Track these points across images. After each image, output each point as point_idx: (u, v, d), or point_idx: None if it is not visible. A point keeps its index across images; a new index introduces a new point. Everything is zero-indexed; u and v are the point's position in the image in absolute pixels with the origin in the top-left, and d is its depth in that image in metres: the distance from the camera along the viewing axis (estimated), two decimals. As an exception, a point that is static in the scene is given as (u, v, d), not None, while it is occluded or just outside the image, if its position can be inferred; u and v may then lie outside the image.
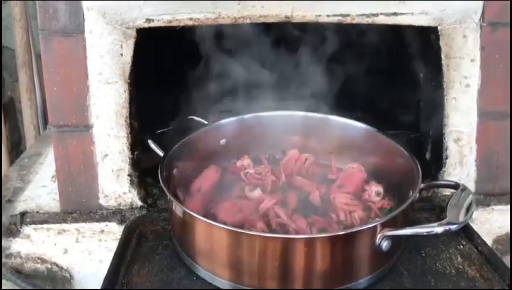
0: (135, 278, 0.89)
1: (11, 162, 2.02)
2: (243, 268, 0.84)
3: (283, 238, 0.81)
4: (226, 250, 0.84)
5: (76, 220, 1.10)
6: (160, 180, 0.92)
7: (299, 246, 0.79)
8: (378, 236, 0.81)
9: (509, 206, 1.15)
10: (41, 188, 1.24)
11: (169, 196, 0.90)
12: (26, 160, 1.41)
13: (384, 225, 0.81)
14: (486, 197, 1.15)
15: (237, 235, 0.83)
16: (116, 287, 0.87)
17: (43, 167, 1.36)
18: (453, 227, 0.79)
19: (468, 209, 0.83)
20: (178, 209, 0.89)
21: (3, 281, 1.07)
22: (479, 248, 0.98)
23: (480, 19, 1.06)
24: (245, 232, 0.85)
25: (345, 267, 0.82)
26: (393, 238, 0.81)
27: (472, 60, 1.08)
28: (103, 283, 0.86)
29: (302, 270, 0.81)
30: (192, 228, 0.88)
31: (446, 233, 0.79)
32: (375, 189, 1.05)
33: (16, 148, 2.31)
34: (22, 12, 1.89)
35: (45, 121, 2.07)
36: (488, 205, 1.15)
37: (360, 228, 0.81)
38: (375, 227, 0.81)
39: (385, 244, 0.81)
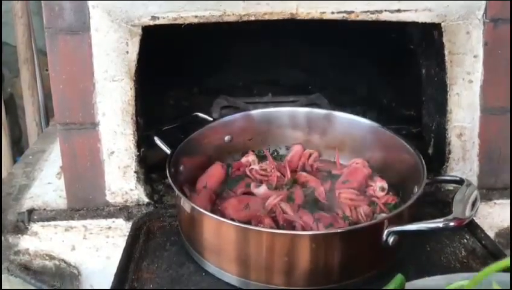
0: (145, 274, 0.91)
1: (13, 158, 2.03)
2: (251, 264, 0.85)
3: (292, 234, 0.82)
4: (234, 246, 0.85)
5: (83, 217, 1.10)
6: (169, 177, 0.93)
7: (308, 242, 0.81)
8: (385, 232, 0.82)
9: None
10: (47, 185, 1.24)
11: (178, 193, 0.91)
12: (31, 157, 1.42)
13: (391, 221, 0.83)
14: (488, 192, 1.16)
15: (245, 232, 0.84)
16: (126, 284, 0.88)
17: (47, 164, 1.37)
18: (460, 222, 0.80)
19: (473, 205, 0.84)
20: (186, 205, 0.90)
21: (11, 277, 1.08)
22: (483, 241, 0.99)
23: (483, 15, 1.06)
24: (253, 228, 0.86)
25: (352, 263, 0.84)
26: (399, 233, 0.83)
27: (475, 56, 1.09)
28: (113, 280, 0.87)
29: (310, 265, 0.82)
30: (200, 224, 0.89)
31: (452, 228, 0.80)
32: (379, 184, 1.06)
33: (17, 144, 2.31)
34: (24, 8, 1.89)
35: (47, 118, 2.07)
36: (490, 199, 1.16)
37: (367, 223, 0.82)
38: (382, 223, 0.82)
39: (392, 240, 0.82)
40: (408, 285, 0.59)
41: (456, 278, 0.60)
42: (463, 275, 0.60)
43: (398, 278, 0.58)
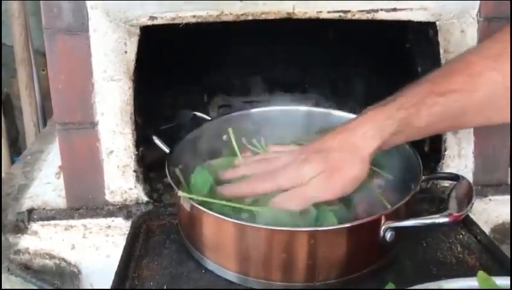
0: (145, 272, 0.91)
1: (11, 158, 2.03)
2: (250, 261, 0.86)
3: (290, 231, 0.83)
4: (233, 243, 0.86)
5: (83, 216, 1.11)
6: (168, 176, 0.94)
7: (306, 238, 0.82)
8: (383, 228, 0.83)
9: (506, 196, 1.17)
10: (46, 185, 1.25)
11: (177, 191, 0.91)
12: (29, 157, 1.43)
13: (388, 217, 0.84)
14: (483, 188, 1.18)
15: (243, 229, 0.85)
16: (127, 282, 0.89)
17: (46, 164, 1.38)
18: (455, 218, 0.81)
19: (468, 201, 0.85)
20: (186, 204, 0.91)
21: (12, 277, 1.08)
22: (478, 237, 1.01)
23: (477, 14, 1.08)
24: (252, 225, 0.86)
25: (350, 259, 0.85)
26: (396, 229, 0.84)
27: (470, 54, 1.10)
28: (114, 278, 0.88)
29: (308, 261, 0.83)
30: (199, 222, 0.90)
31: (448, 224, 0.82)
32: (376, 182, 1.07)
33: (14, 145, 2.31)
34: (20, 9, 1.89)
35: (44, 118, 2.07)
36: (486, 196, 1.18)
37: (365, 220, 0.83)
38: (379, 219, 0.83)
39: (389, 236, 0.84)
40: None
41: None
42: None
43: (389, 286, 0.60)
